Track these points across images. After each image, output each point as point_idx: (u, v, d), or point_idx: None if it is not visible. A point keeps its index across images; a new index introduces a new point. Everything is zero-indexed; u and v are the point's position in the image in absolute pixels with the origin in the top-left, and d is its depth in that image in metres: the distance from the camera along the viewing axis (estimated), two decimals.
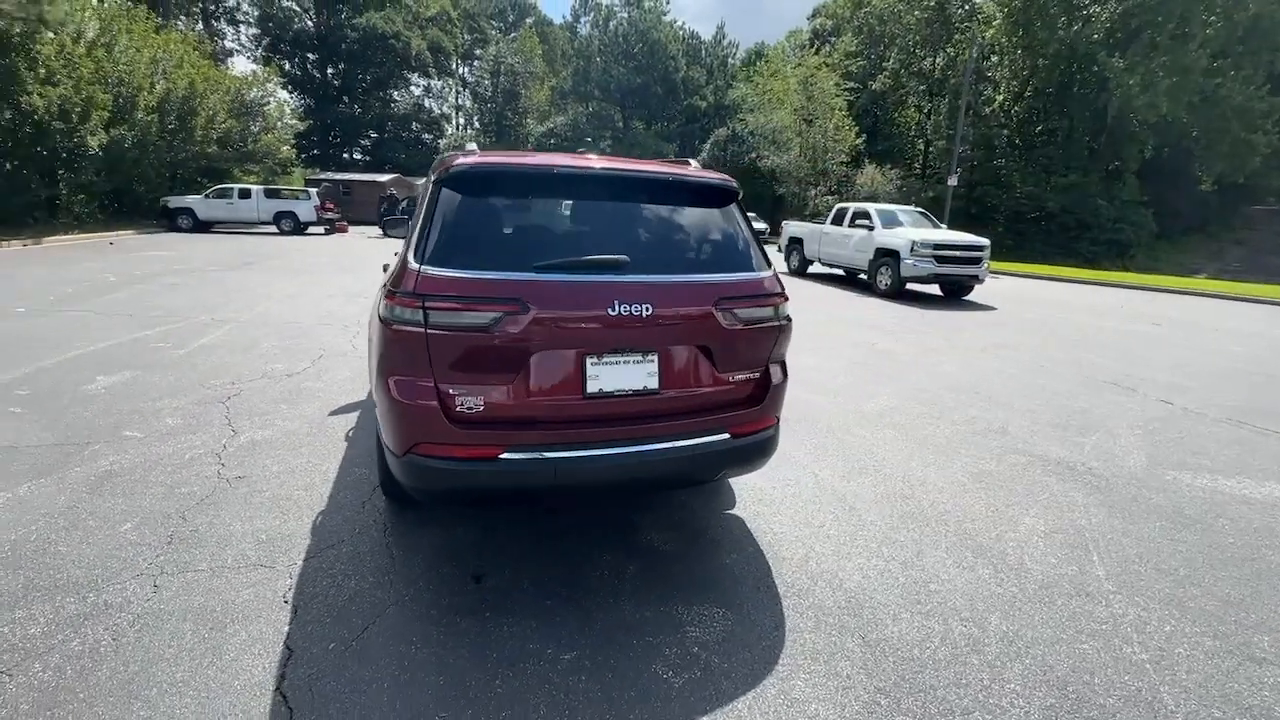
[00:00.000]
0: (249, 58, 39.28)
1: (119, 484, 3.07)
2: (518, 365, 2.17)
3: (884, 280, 11.80)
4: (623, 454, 2.26)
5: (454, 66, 45.65)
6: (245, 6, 39.12)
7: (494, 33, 46.60)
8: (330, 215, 23.83)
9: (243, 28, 39.63)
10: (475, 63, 46.05)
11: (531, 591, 2.38)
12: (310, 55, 39.30)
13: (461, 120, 47.43)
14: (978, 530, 3.00)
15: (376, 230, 24.87)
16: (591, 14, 42.15)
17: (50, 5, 13.56)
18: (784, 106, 33.50)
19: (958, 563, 2.70)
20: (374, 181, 31.88)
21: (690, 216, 2.56)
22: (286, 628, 2.14)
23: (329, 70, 40.67)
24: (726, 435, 2.46)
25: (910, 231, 11.66)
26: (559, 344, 2.20)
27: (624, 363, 2.28)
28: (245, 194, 21.98)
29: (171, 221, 21.16)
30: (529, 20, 51.63)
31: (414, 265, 2.13)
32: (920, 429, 4.40)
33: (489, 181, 2.29)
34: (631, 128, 41.55)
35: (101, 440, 3.58)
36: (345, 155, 42.41)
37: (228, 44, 39.75)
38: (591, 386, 2.24)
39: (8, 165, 15.14)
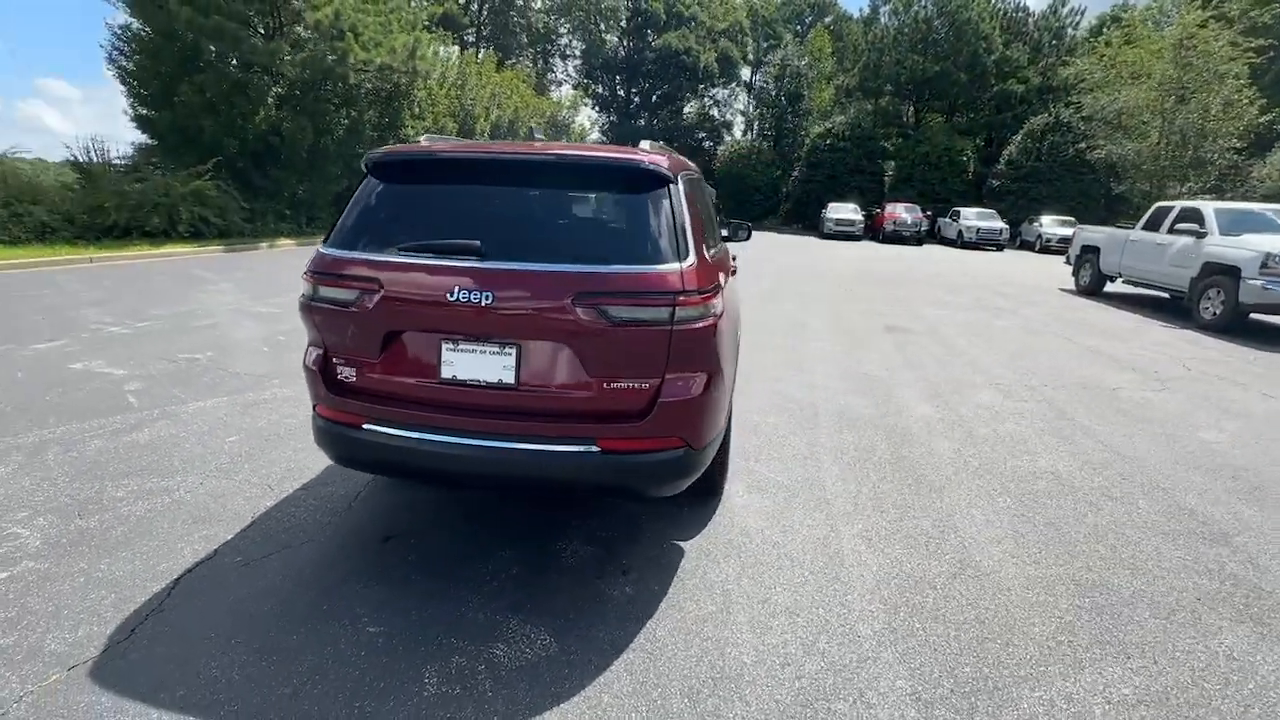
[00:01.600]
0: (571, 85, 46.68)
1: None
2: (379, 342, 2.23)
3: (1210, 308, 8.49)
4: (476, 446, 2.15)
5: (740, 74, 47.01)
6: (573, 43, 46.54)
7: (789, 36, 46.60)
8: None
9: (569, 61, 47.29)
10: (762, 68, 46.70)
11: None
12: (617, 77, 44.82)
13: (742, 125, 48.67)
14: None
15: None
16: (891, 2, 38.97)
17: (421, 60, 18.18)
18: (1141, 81, 25.96)
19: None
20: None
21: (598, 202, 2.28)
22: None
23: (631, 89, 45.79)
24: (595, 448, 2.14)
25: (1265, 240, 8.12)
26: (413, 325, 2.20)
27: (480, 352, 2.16)
28: None
29: None
30: (827, 19, 50.16)
31: (319, 248, 2.36)
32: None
33: (402, 169, 2.38)
34: (924, 122, 37.27)
35: None
36: None
37: (557, 75, 47.82)
38: (445, 372, 2.18)
39: None
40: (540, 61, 46.18)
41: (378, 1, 17.11)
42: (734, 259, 4.39)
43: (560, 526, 2.77)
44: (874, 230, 27.24)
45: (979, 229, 24.52)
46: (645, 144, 2.72)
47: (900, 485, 3.32)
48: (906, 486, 3.30)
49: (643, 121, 46.83)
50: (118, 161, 15.58)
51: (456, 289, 2.07)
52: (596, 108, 46.92)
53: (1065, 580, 2.52)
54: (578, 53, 46.44)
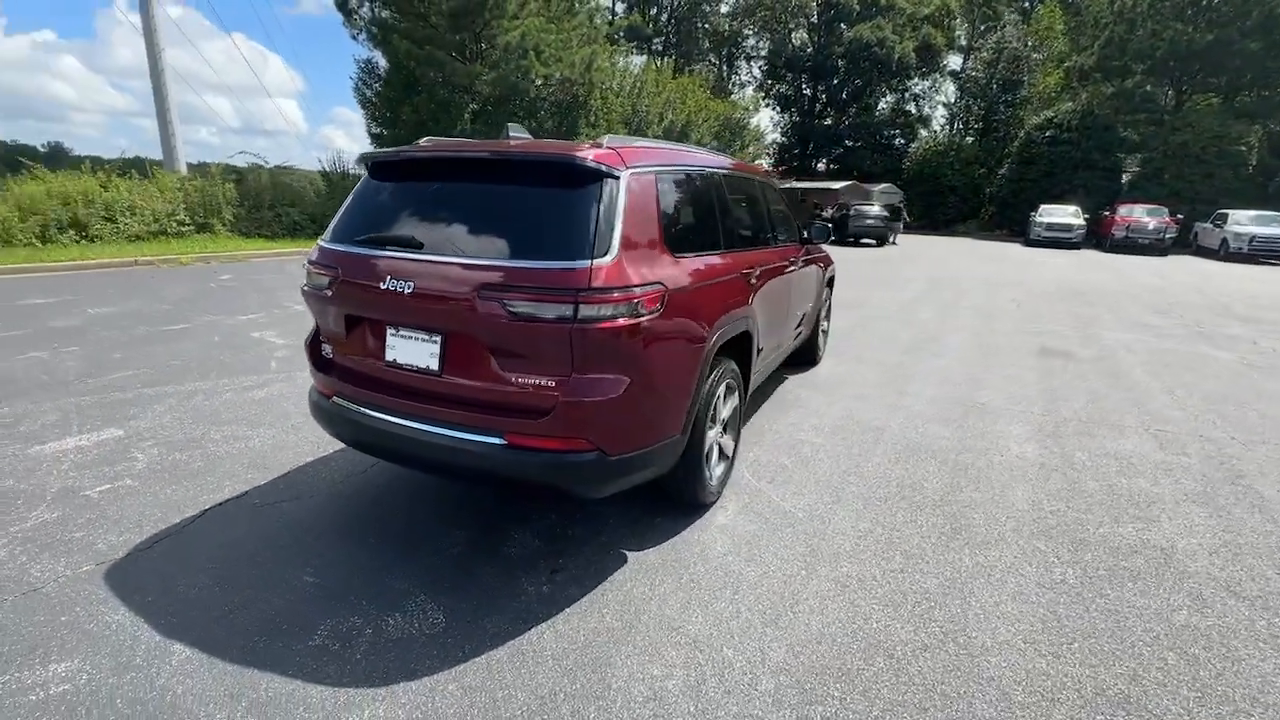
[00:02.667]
0: (753, 86, 46.13)
1: None
2: (344, 324, 2.47)
3: None
4: (407, 426, 2.29)
5: (944, 63, 42.36)
6: (759, 44, 45.94)
7: (1010, 15, 41.00)
8: None
9: (754, 63, 46.74)
10: (973, 55, 41.59)
11: None
12: (802, 76, 43.23)
13: (943, 119, 43.88)
14: None
15: None
16: None
17: (597, 71, 19.40)
18: None
19: None
20: (827, 189, 33.21)
21: (530, 198, 2.25)
22: None
23: (818, 87, 43.89)
24: (501, 441, 2.15)
25: None
26: (362, 310, 2.40)
27: (414, 338, 2.29)
28: None
29: None
30: None
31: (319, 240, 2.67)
32: None
33: (384, 168, 2.58)
34: (1186, 106, 30.21)
35: None
36: (818, 165, 45.27)
37: (741, 77, 47.59)
38: (389, 355, 2.35)
39: None
40: (724, 65, 46.36)
41: (560, 20, 18.61)
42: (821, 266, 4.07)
43: (523, 519, 2.81)
44: (1100, 237, 22.94)
45: (1254, 237, 19.16)
46: (606, 139, 2.62)
47: (929, 533, 2.80)
48: (937, 535, 2.77)
49: (829, 120, 44.73)
50: (353, 172, 19.03)
51: (389, 278, 2.22)
52: (778, 108, 45.83)
53: (1086, 690, 1.93)
54: (763, 53, 45.75)
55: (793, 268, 4.11)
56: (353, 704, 1.78)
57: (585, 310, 2.02)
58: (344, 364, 2.54)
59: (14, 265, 9.25)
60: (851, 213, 22.26)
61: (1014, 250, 22.47)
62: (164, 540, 2.57)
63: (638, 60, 28.40)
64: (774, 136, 45.07)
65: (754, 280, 3.19)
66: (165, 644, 1.98)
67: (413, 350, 2.29)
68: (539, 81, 18.41)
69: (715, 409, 2.88)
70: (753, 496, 3.10)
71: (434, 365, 2.25)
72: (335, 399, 2.52)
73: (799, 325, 4.66)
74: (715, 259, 2.81)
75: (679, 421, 2.48)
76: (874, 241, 22.64)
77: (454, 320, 2.17)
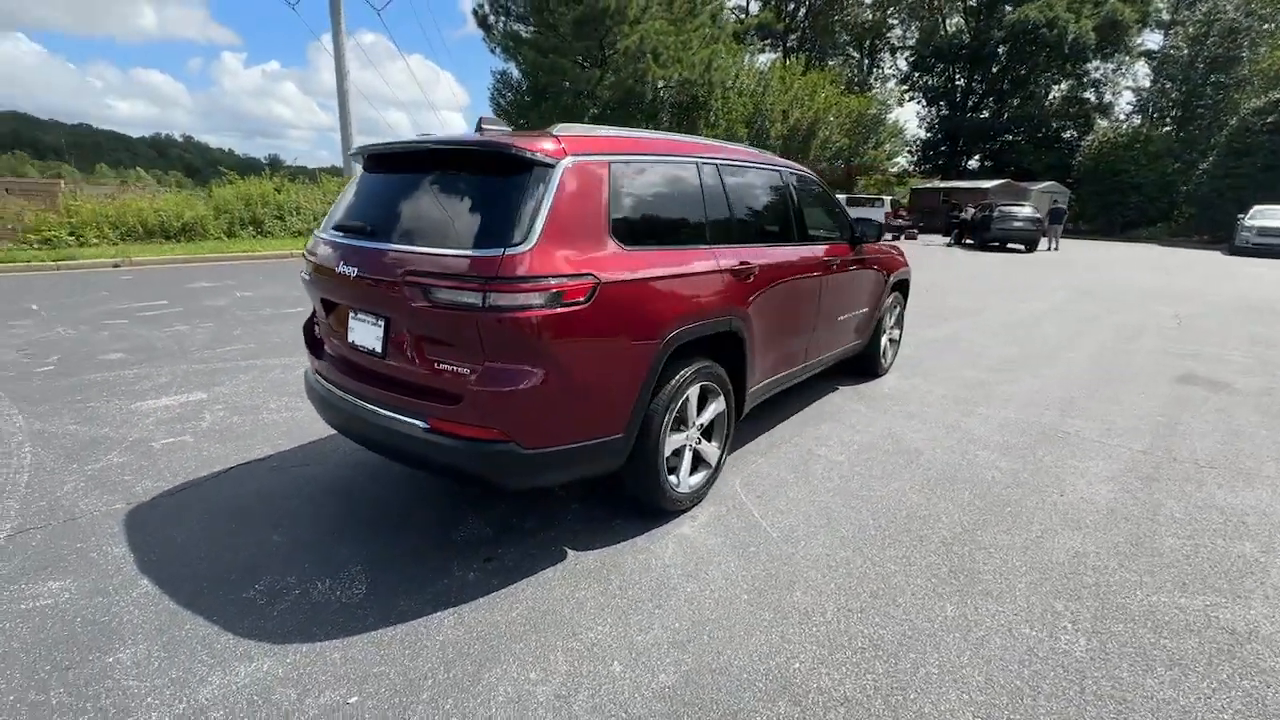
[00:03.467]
0: (896, 80, 42.97)
1: None
2: (321, 307, 2.66)
3: None
4: (358, 405, 2.42)
5: (1131, 42, 36.39)
6: (906, 34, 42.71)
7: None
8: (900, 222, 24.45)
9: (900, 55, 43.52)
10: (1172, 30, 35.33)
11: None
12: (955, 65, 39.50)
13: (1129, 105, 37.81)
14: None
15: (946, 238, 23.86)
16: None
17: (717, 71, 19.24)
18: None
19: None
20: (976, 188, 30.15)
21: (466, 186, 2.25)
22: None
23: (973, 77, 39.92)
24: (424, 424, 2.19)
25: None
26: (331, 294, 2.55)
27: (365, 321, 2.40)
28: None
29: None
30: None
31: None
32: None
33: (368, 161, 2.72)
34: None
35: None
36: (968, 163, 41.20)
37: (884, 70, 44.58)
38: (350, 336, 2.49)
39: None
40: (865, 59, 43.74)
41: (681, 23, 18.70)
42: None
43: (486, 507, 2.85)
44: None
45: None
46: (558, 128, 2.54)
47: (919, 574, 2.42)
48: (927, 578, 2.39)
49: (985, 113, 40.62)
50: None
51: (342, 263, 2.35)
52: (923, 102, 42.36)
53: None
54: (910, 43, 42.51)
55: (829, 268, 3.76)
56: (248, 655, 1.91)
57: (494, 298, 2.00)
58: (324, 346, 2.75)
59: (201, 255, 11.15)
60: (995, 214, 20.00)
61: (1208, 259, 18.94)
62: (185, 491, 2.94)
63: (765, 58, 27.68)
64: (919, 132, 41.76)
65: (751, 278, 2.96)
66: (136, 578, 2.27)
67: (365, 332, 2.41)
68: (659, 84, 18.64)
69: (685, 412, 2.72)
70: (732, 509, 2.89)
71: (379, 348, 2.35)
72: (313, 375, 2.73)
73: (846, 331, 4.26)
74: (687, 253, 2.64)
75: (619, 421, 2.36)
76: (1022, 247, 20.17)
77: (389, 304, 2.25)
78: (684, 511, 2.83)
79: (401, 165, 2.51)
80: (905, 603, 2.24)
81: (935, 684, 1.87)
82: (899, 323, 5.30)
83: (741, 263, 2.92)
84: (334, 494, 2.96)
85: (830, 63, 40.08)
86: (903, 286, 5.22)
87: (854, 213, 27.32)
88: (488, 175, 2.22)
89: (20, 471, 3.07)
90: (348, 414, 2.47)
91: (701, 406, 2.86)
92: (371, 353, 2.38)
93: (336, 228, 2.55)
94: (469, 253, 2.05)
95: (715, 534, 2.68)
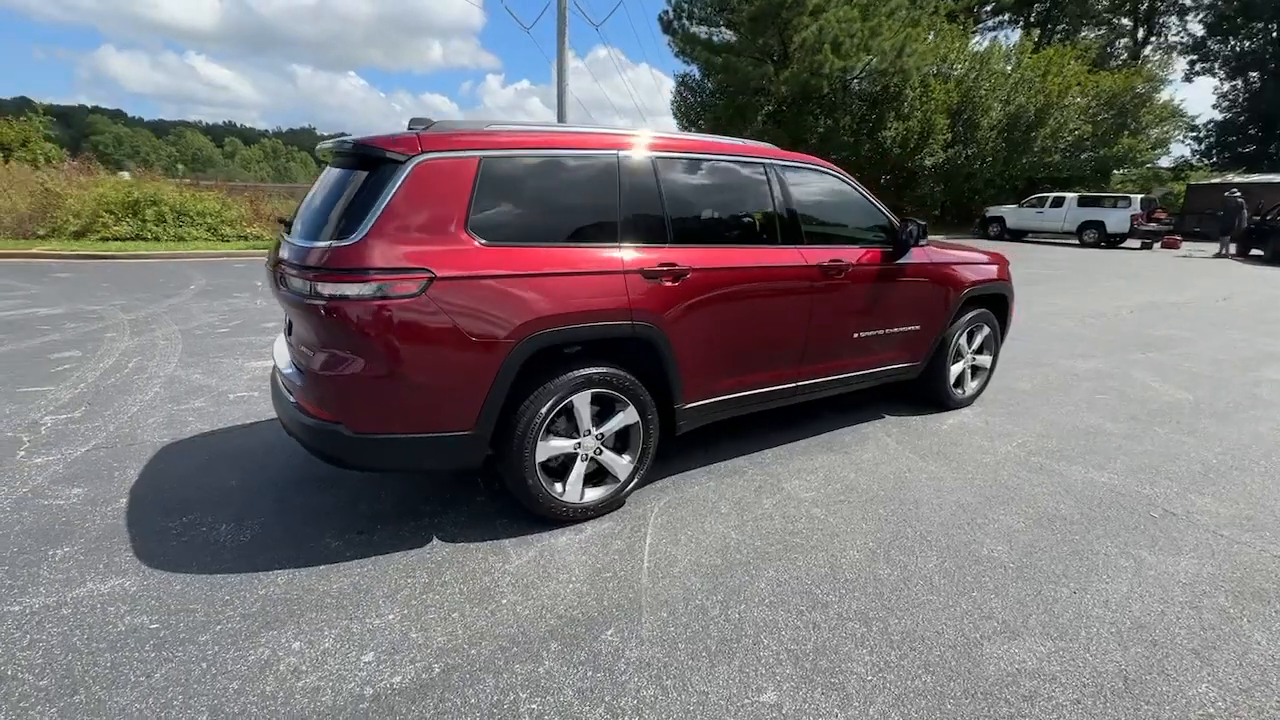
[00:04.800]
0: (1183, 48, 34.05)
1: None
2: None
3: None
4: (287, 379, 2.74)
5: None
6: None
7: None
8: (1154, 226, 19.70)
9: (1190, 17, 34.38)
10: None
11: None
12: (1275, 25, 30.02)
13: None
14: None
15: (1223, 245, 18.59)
16: None
17: (909, 57, 17.29)
18: None
19: None
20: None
21: (338, 182, 2.37)
22: None
23: None
24: (293, 400, 2.41)
25: None
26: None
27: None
28: (1057, 202, 21.13)
29: (984, 230, 23.07)
30: None
31: None
32: None
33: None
34: None
35: None
36: None
37: (1172, 36, 35.68)
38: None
39: (867, 183, 20.83)
40: (1141, 25, 35.54)
41: (870, 8, 17.13)
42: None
43: (412, 484, 3.02)
44: None
45: None
46: (445, 124, 2.51)
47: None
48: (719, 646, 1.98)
49: None
50: None
51: (277, 254, 2.66)
52: (1223, 75, 33.17)
53: None
54: (1206, 1, 33.50)
55: (833, 274, 3.23)
56: (124, 570, 2.29)
57: (319, 287, 2.12)
58: None
59: None
60: None
61: None
62: (218, 435, 3.60)
63: (989, 38, 23.99)
64: (1212, 114, 32.93)
65: (677, 281, 2.69)
66: (120, 496, 2.85)
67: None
68: (850, 74, 17.36)
69: (577, 419, 2.59)
70: (627, 530, 2.67)
71: (287, 331, 2.64)
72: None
73: (877, 350, 3.62)
74: (577, 251, 2.49)
75: (467, 418, 2.34)
76: None
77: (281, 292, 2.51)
78: (574, 522, 2.70)
79: (329, 165, 2.77)
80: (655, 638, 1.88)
81: None
82: (986, 347, 4.32)
83: (662, 264, 2.66)
84: (293, 466, 3.34)
85: (1088, 34, 33.44)
86: (993, 303, 4.24)
87: (1083, 214, 22.85)
88: (358, 172, 2.35)
89: (137, 405, 4.03)
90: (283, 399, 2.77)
91: (607, 416, 2.69)
92: (292, 336, 2.68)
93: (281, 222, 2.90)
94: (309, 244, 2.21)
95: (586, 553, 2.51)
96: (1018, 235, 22.35)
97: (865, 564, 2.46)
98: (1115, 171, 26.46)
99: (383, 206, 2.17)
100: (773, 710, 1.75)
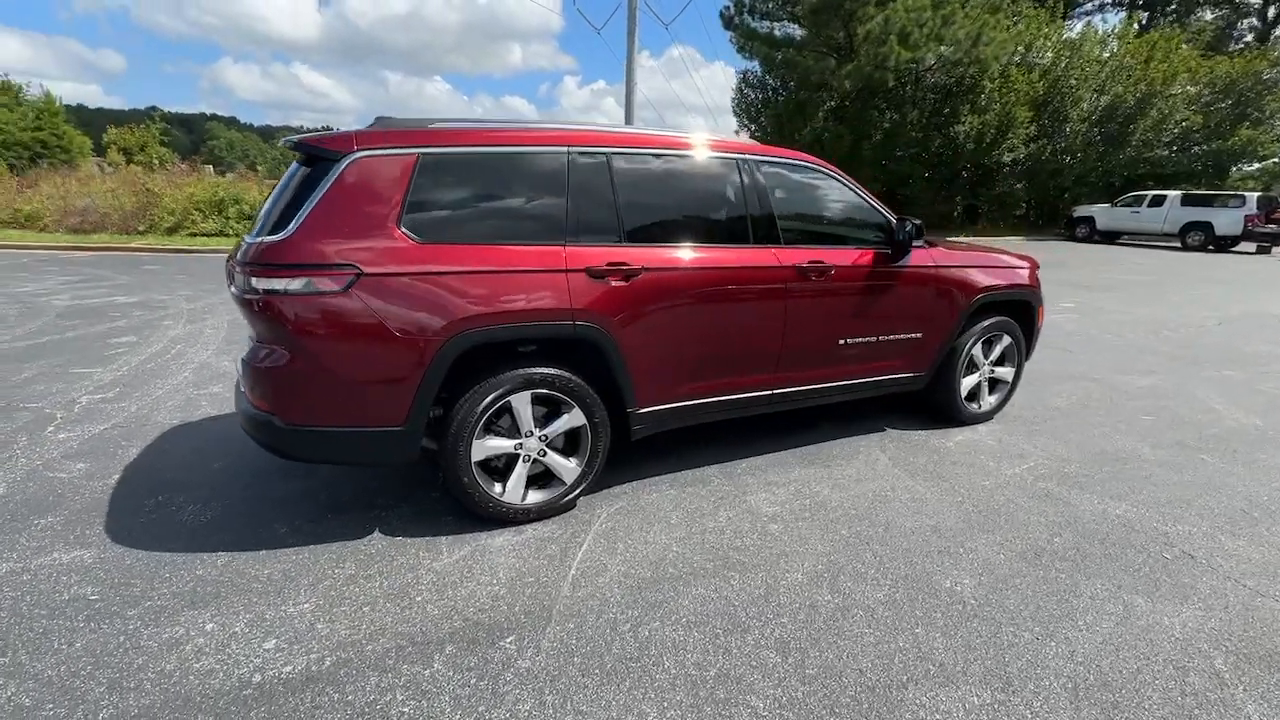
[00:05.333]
0: None
1: None
2: None
3: None
4: None
5: None
6: None
7: None
8: (1273, 228, 17.57)
9: None
10: None
11: None
12: None
13: None
14: None
15: None
16: None
17: (986, 47, 16.15)
18: None
19: None
20: None
21: (291, 179, 2.42)
22: None
23: None
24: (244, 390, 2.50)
25: None
26: None
27: None
28: (1157, 201, 19.20)
29: (1071, 231, 21.29)
30: None
31: None
32: None
33: None
34: None
35: None
36: None
37: None
38: None
39: (938, 180, 19.67)
40: (1273, 3, 31.63)
41: None
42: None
43: (379, 478, 3.09)
44: None
45: None
46: (383, 120, 2.52)
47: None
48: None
49: None
50: None
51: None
52: None
53: None
54: None
55: (812, 276, 3.04)
56: (88, 544, 2.45)
57: (253, 282, 2.19)
58: None
59: None
60: None
61: None
62: (213, 420, 3.82)
63: (1085, 23, 21.97)
64: None
65: (627, 281, 2.60)
66: (114, 471, 3.07)
67: None
68: (920, 67, 16.46)
69: (518, 420, 2.56)
70: (565, 536, 2.61)
71: None
72: None
73: (871, 357, 3.39)
74: (517, 249, 2.44)
75: (398, 413, 2.35)
76: None
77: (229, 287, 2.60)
78: (516, 524, 2.67)
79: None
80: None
81: None
82: (1008, 358, 3.95)
83: (611, 263, 2.58)
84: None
85: (1204, 16, 30.19)
86: (1015, 310, 3.87)
87: (1186, 214, 21.02)
88: (302, 169, 2.41)
89: (164, 388, 4.35)
90: None
91: (553, 417, 2.64)
92: None
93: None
94: (252, 240, 2.28)
95: (517, 555, 2.47)
96: (1110, 237, 20.50)
97: (805, 588, 2.29)
98: (1235, 168, 23.80)
99: (314, 203, 2.21)
100: None
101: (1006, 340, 3.86)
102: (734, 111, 21.27)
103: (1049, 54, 19.53)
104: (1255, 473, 3.33)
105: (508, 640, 2.00)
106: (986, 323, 3.72)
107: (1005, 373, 3.95)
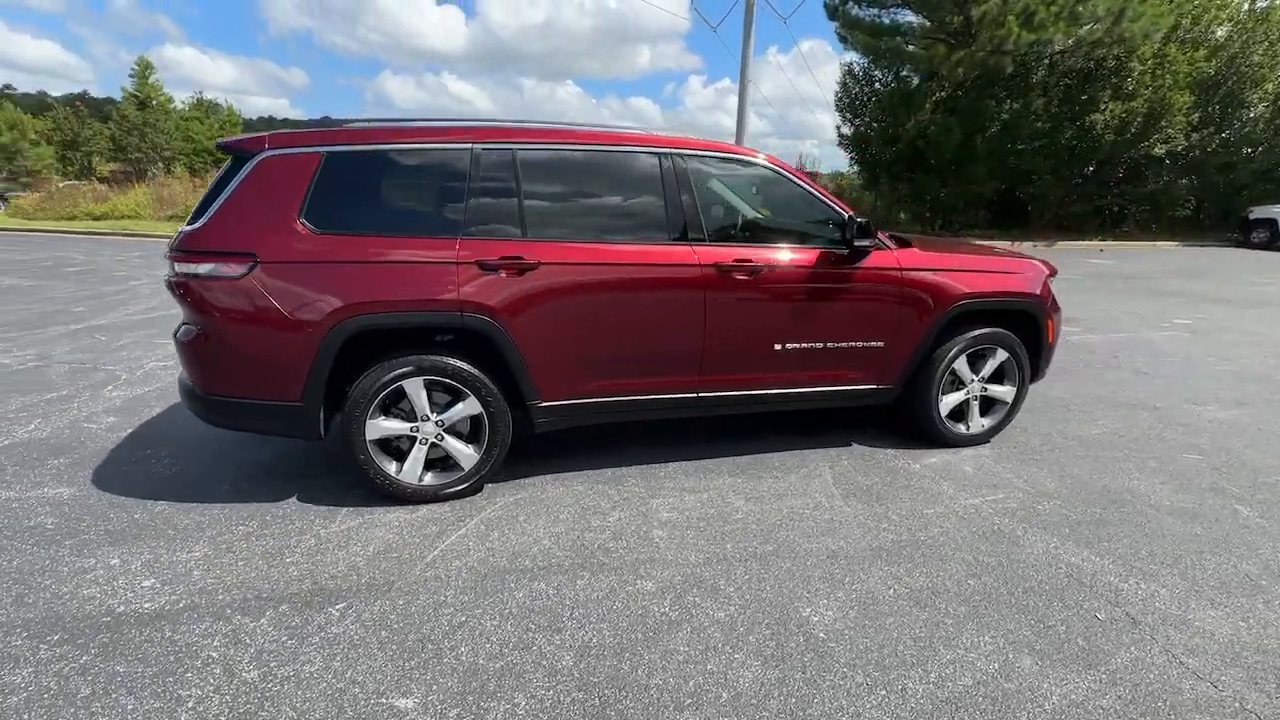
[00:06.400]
0: None
1: None
2: None
3: None
4: None
5: None
6: None
7: None
8: None
9: None
10: None
11: None
12: None
13: None
14: None
15: None
16: None
17: (1135, 22, 14.01)
18: None
19: None
20: None
21: (224, 173, 2.69)
22: None
23: None
24: None
25: None
26: None
27: None
28: None
29: (1246, 235, 18.03)
30: None
31: None
32: None
33: None
34: None
35: None
36: None
37: None
38: None
39: (1069, 177, 17.42)
40: None
41: None
42: None
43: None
44: None
45: None
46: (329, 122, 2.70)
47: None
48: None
49: None
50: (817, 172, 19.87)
51: None
52: None
53: None
54: None
55: (737, 275, 2.89)
56: (72, 482, 2.92)
57: (175, 266, 2.49)
58: None
59: None
60: None
61: None
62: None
63: None
64: None
65: (517, 274, 2.63)
66: (133, 425, 3.61)
67: None
68: (1048, 48, 14.69)
69: (414, 404, 2.69)
70: (447, 519, 2.70)
71: None
72: None
73: (821, 364, 3.15)
74: (409, 241, 2.56)
75: (294, 390, 2.55)
76: None
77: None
78: (414, 503, 2.80)
79: None
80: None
81: None
82: (1007, 375, 3.47)
83: (505, 256, 2.63)
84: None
85: None
86: (1013, 321, 3.40)
87: (1262, 212, 17.60)
88: (228, 166, 2.69)
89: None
90: None
91: (452, 404, 2.75)
92: None
93: None
94: (187, 228, 2.58)
95: (396, 531, 2.59)
96: None
97: (648, 598, 2.21)
98: None
99: (226, 196, 2.48)
100: (398, 714, 1.70)
101: (1002, 355, 3.40)
102: (835, 107, 20.21)
103: (1222, 28, 16.55)
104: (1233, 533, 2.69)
105: (337, 607, 2.13)
106: (973, 334, 3.31)
107: (1003, 392, 3.49)
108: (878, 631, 2.05)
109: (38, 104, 51.42)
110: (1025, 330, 3.44)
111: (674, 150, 2.93)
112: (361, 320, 2.52)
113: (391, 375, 2.61)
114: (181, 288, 2.51)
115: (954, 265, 3.26)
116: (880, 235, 3.17)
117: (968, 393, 3.44)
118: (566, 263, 2.71)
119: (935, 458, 3.39)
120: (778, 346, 3.06)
